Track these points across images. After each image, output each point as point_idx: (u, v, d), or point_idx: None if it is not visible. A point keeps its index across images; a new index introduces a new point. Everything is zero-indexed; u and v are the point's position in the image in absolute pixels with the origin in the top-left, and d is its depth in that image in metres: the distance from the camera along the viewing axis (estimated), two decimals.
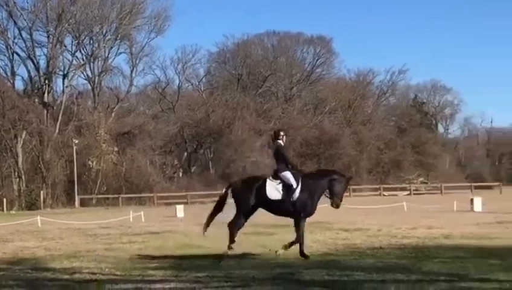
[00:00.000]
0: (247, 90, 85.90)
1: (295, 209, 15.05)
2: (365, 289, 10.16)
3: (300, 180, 15.14)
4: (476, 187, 79.14)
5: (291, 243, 15.01)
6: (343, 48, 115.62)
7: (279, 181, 15.17)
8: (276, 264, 13.31)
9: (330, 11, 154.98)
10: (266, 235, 20.68)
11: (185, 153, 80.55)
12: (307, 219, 15.21)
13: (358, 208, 37.64)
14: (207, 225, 15.70)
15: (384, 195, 71.44)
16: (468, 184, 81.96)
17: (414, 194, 74.21)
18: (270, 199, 15.08)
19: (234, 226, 15.27)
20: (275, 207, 15.28)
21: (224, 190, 16.06)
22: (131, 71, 78.11)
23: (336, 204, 15.22)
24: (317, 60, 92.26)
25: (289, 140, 79.40)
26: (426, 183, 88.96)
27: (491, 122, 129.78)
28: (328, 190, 15.12)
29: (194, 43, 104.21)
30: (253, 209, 15.42)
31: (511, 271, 11.44)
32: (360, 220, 26.24)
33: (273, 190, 15.10)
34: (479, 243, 16.63)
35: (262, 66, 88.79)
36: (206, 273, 12.35)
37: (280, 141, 16.32)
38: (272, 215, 15.57)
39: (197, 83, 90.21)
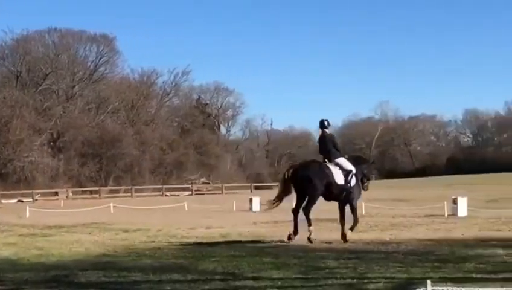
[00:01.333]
0: (27, 88, 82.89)
1: (351, 193, 16.18)
2: (141, 289, 10.13)
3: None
4: (256, 187, 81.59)
5: (352, 227, 16.40)
6: (126, 47, 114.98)
7: (338, 167, 16.11)
8: (51, 267, 12.96)
9: (114, 9, 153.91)
10: (42, 236, 20.13)
11: None
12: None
13: (140, 209, 37.57)
14: (274, 204, 17.00)
15: (166, 195, 71.70)
16: (248, 184, 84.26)
17: (196, 194, 75.03)
18: (336, 184, 16.01)
19: (308, 212, 16.47)
20: (337, 191, 16.24)
21: (289, 173, 16.65)
22: None
23: (367, 188, 17.09)
24: (100, 58, 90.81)
25: (70, 140, 78.42)
26: (208, 183, 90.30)
27: (271, 124, 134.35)
28: (363, 175, 16.81)
29: None
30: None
31: (283, 269, 11.84)
32: (141, 221, 26.17)
33: (338, 175, 16.01)
34: (254, 242, 17.11)
35: (42, 63, 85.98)
36: None
37: (327, 130, 17.11)
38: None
39: None
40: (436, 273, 10.77)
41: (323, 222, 22.22)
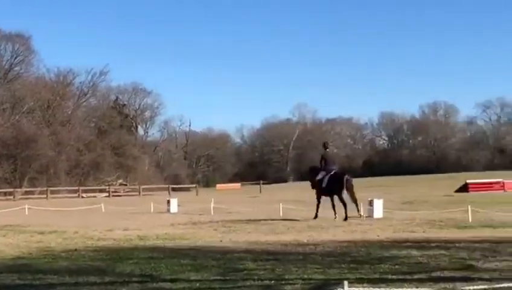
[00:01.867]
0: None
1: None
2: None
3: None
4: (174, 189, 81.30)
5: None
6: (42, 46, 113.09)
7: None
8: None
9: (30, 7, 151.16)
10: None
11: None
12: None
13: (56, 210, 36.97)
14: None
15: (83, 197, 70.67)
16: (166, 186, 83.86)
17: (113, 195, 74.29)
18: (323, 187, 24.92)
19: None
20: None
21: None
22: None
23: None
24: (15, 57, 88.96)
25: None
26: (125, 185, 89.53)
27: (190, 125, 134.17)
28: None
29: None
30: None
31: (202, 271, 11.84)
32: (56, 223, 25.76)
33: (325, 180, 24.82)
34: (172, 243, 17.05)
35: None
36: None
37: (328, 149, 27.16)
38: None
39: None
40: (353, 274, 10.93)
41: (239, 224, 22.32)
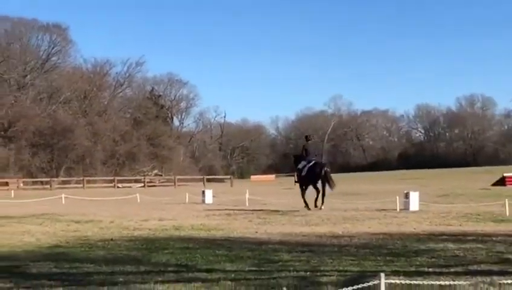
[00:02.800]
0: None
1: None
2: (94, 281, 10.03)
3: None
4: (208, 180, 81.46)
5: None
6: (80, 37, 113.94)
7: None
8: (2, 257, 12.78)
9: None
10: None
11: None
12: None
13: (92, 200, 37.25)
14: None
15: (118, 187, 71.16)
16: (201, 177, 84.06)
17: (148, 186, 74.64)
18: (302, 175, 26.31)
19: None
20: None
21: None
22: None
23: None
24: (52, 48, 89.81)
25: (21, 129, 77.22)
26: (160, 175, 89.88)
27: (225, 116, 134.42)
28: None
29: None
30: None
31: (237, 261, 11.83)
32: (93, 212, 25.94)
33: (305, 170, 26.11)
34: (208, 234, 17.07)
35: None
36: None
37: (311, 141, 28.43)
38: None
39: None
40: (389, 267, 10.86)
41: (274, 215, 22.31)
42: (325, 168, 25.81)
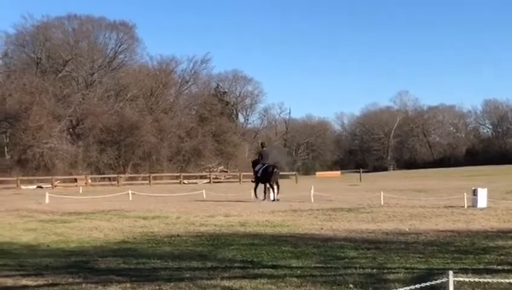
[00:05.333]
0: (47, 75, 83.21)
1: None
2: (161, 276, 10.13)
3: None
4: None
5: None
6: (146, 34, 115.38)
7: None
8: (71, 253, 13.04)
9: None
10: (61, 222, 20.22)
11: None
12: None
13: (158, 196, 37.65)
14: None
15: (184, 183, 71.75)
16: None
17: (214, 182, 75.11)
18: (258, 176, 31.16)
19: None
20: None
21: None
22: None
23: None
24: (119, 46, 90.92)
25: (89, 127, 78.51)
26: (226, 171, 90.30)
27: (289, 113, 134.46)
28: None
29: None
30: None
31: (302, 258, 11.83)
32: (159, 208, 26.21)
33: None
34: (273, 230, 17.09)
35: (62, 50, 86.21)
36: None
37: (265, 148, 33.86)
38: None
39: None
40: (457, 264, 10.72)
41: (339, 212, 22.22)
42: (275, 169, 31.37)
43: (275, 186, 30.67)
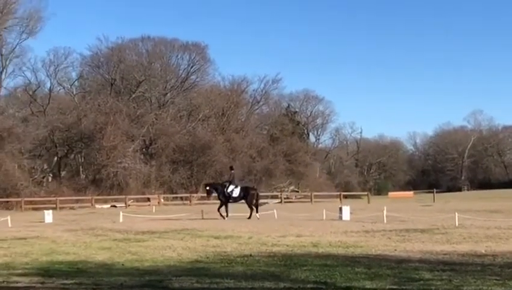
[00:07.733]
0: (121, 95, 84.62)
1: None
2: None
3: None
4: (345, 196, 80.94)
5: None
6: (218, 55, 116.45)
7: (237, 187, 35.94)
8: (145, 272, 13.19)
9: (205, 18, 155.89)
10: (135, 241, 20.47)
11: (55, 158, 78.28)
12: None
13: (231, 215, 37.78)
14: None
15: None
16: (338, 193, 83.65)
17: (285, 202, 74.87)
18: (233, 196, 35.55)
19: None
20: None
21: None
22: (1, 72, 76.17)
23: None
24: (191, 66, 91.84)
25: (162, 146, 79.48)
26: (297, 191, 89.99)
27: (361, 133, 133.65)
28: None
29: (66, 46, 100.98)
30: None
31: (376, 279, 11.72)
32: (231, 228, 26.32)
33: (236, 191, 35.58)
34: (346, 251, 16.97)
35: (136, 71, 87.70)
36: (73, 280, 12.13)
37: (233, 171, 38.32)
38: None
39: (69, 87, 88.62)
40: None
41: (413, 233, 21.94)
42: (256, 191, 37.63)
43: (253, 206, 35.36)
